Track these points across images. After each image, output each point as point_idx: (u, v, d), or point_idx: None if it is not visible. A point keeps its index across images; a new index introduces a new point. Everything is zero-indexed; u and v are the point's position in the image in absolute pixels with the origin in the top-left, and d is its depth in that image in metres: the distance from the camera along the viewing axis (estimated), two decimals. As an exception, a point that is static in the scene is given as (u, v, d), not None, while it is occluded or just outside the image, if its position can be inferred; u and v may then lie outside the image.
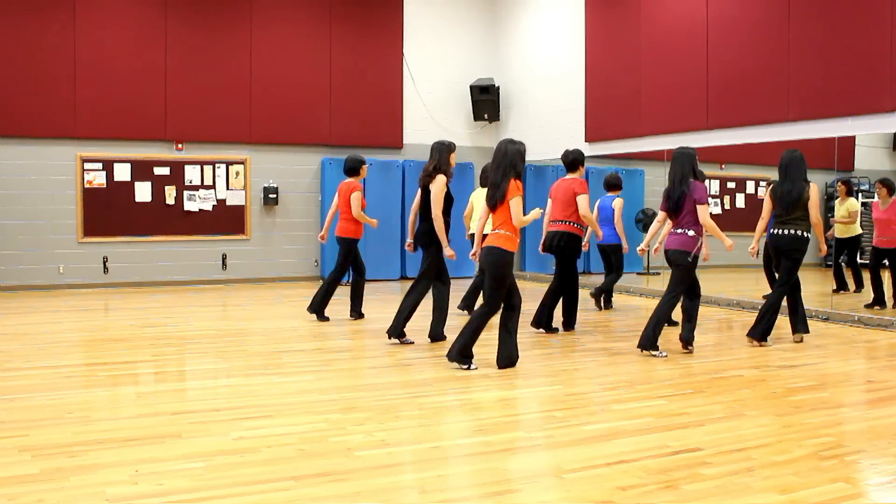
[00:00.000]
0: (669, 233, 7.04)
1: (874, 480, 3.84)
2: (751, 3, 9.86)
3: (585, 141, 12.39)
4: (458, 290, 8.54)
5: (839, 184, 10.65)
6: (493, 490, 3.57)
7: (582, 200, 7.79)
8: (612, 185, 9.81)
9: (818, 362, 6.65)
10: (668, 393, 5.47)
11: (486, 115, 14.00)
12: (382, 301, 10.26)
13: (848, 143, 10.66)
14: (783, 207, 7.22)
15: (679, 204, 6.84)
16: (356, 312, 8.68)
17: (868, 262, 10.23)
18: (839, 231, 10.39)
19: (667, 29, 11.01)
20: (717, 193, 13.29)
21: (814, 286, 10.77)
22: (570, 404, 5.24)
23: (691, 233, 6.81)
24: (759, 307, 7.56)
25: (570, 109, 12.68)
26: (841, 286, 10.62)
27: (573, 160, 8.10)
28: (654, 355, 6.68)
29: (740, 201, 13.05)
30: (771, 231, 7.38)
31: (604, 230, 9.31)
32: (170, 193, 12.25)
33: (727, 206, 12.78)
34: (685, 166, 6.86)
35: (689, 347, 6.87)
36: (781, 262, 7.34)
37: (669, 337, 7.44)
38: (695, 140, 10.59)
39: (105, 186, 11.91)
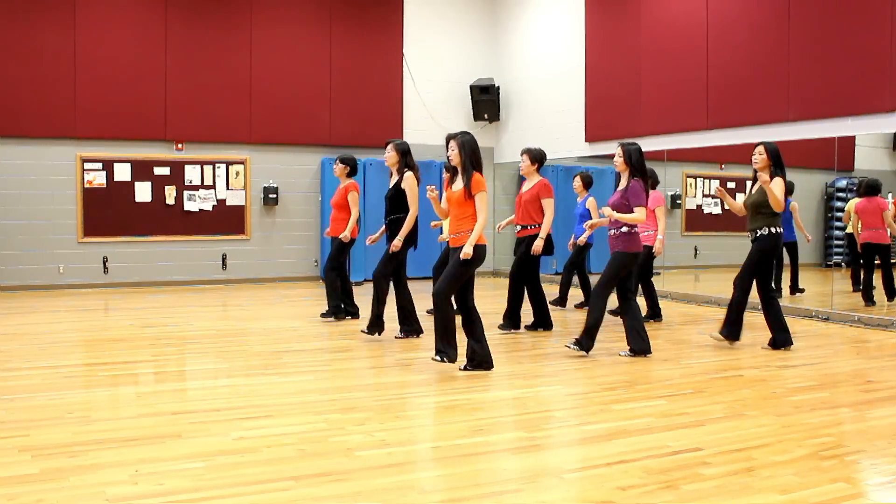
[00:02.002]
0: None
1: (874, 480, 3.84)
2: (751, 3, 9.86)
3: (585, 141, 12.39)
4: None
5: None
6: (493, 490, 3.57)
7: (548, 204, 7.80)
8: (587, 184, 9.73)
9: (818, 362, 6.65)
10: (668, 393, 5.47)
11: (486, 115, 14.00)
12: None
13: (848, 143, 10.66)
14: None
15: None
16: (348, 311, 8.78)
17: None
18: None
19: (667, 29, 11.01)
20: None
21: (814, 286, 10.78)
22: (570, 404, 5.24)
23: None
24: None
25: (570, 109, 12.68)
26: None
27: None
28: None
29: (740, 201, 13.04)
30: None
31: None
32: (170, 193, 12.26)
33: (727, 206, 12.77)
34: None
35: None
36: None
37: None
38: (695, 140, 10.61)
39: (105, 186, 11.91)
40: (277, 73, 12.74)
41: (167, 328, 8.37)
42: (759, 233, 6.98)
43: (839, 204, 12.67)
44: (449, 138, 6.14)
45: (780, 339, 7.03)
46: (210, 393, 5.62)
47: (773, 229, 6.94)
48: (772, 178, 6.91)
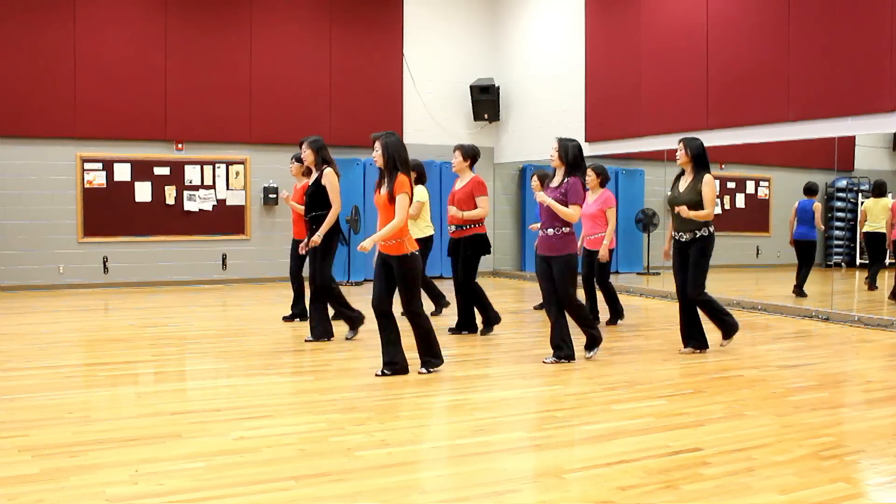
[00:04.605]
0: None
1: (874, 480, 3.84)
2: (751, 4, 9.86)
3: (585, 141, 12.38)
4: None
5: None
6: (493, 490, 3.57)
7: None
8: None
9: (818, 362, 6.65)
10: (668, 393, 5.47)
11: (486, 115, 14.00)
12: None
13: (848, 143, 10.68)
14: None
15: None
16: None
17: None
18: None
19: (667, 29, 11.01)
20: (717, 193, 13.33)
21: (814, 286, 10.78)
22: (570, 404, 5.24)
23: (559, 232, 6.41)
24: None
25: (570, 109, 12.68)
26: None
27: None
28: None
29: (740, 201, 13.07)
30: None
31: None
32: (170, 193, 12.25)
33: (727, 206, 12.81)
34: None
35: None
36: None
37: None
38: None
39: (105, 186, 11.91)
40: (277, 73, 12.74)
41: (167, 328, 8.37)
42: (698, 234, 6.65)
43: (839, 204, 12.69)
44: (374, 139, 5.86)
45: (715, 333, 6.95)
46: (210, 393, 5.62)
47: (710, 229, 6.69)
48: (696, 176, 6.65)
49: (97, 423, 4.61)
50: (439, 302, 9.06)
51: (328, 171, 7.23)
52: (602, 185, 8.40)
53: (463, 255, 7.71)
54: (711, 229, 6.70)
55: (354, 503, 3.41)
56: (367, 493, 3.52)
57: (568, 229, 6.35)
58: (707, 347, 6.88)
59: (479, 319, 7.94)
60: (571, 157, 6.34)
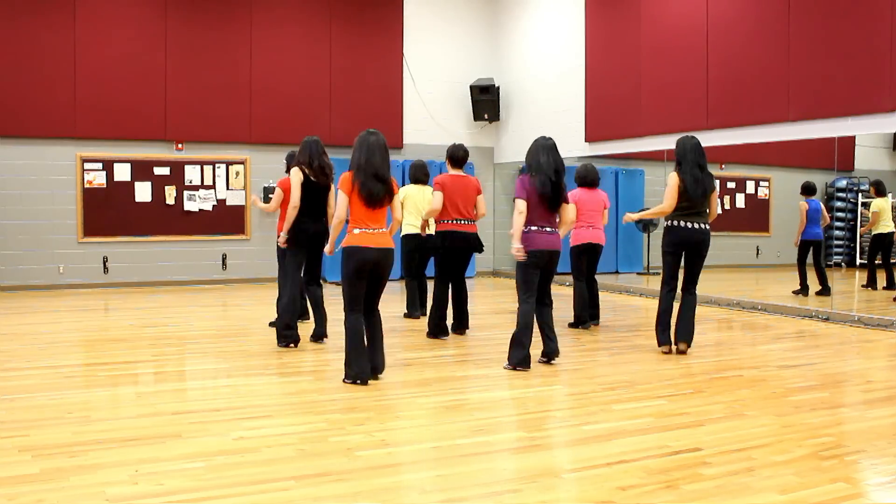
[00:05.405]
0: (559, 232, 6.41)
1: (874, 480, 3.84)
2: (751, 3, 9.86)
3: (585, 141, 12.39)
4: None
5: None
6: (493, 490, 3.57)
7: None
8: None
9: (818, 362, 6.65)
10: (668, 393, 5.47)
11: (486, 115, 14.00)
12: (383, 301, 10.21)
13: (848, 143, 10.68)
14: (696, 198, 6.66)
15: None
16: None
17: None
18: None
19: (667, 29, 11.01)
20: (717, 193, 13.33)
21: (814, 286, 10.77)
22: (570, 404, 5.24)
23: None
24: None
25: (570, 109, 12.68)
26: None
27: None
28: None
29: (740, 201, 13.07)
30: (682, 224, 6.69)
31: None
32: (170, 193, 12.25)
33: (727, 206, 12.82)
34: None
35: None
36: (694, 258, 6.75)
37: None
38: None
39: (105, 186, 11.91)
40: (277, 73, 12.74)
41: (167, 328, 8.37)
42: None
43: (839, 204, 12.69)
44: None
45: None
46: (210, 393, 5.62)
47: (669, 222, 6.71)
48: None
49: (97, 423, 4.61)
50: (412, 309, 8.90)
51: (294, 169, 7.05)
52: (593, 185, 8.41)
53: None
54: (669, 223, 6.72)
55: (354, 503, 3.41)
56: (367, 493, 3.52)
57: (512, 231, 6.27)
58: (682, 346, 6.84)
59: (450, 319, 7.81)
60: (527, 154, 6.32)
